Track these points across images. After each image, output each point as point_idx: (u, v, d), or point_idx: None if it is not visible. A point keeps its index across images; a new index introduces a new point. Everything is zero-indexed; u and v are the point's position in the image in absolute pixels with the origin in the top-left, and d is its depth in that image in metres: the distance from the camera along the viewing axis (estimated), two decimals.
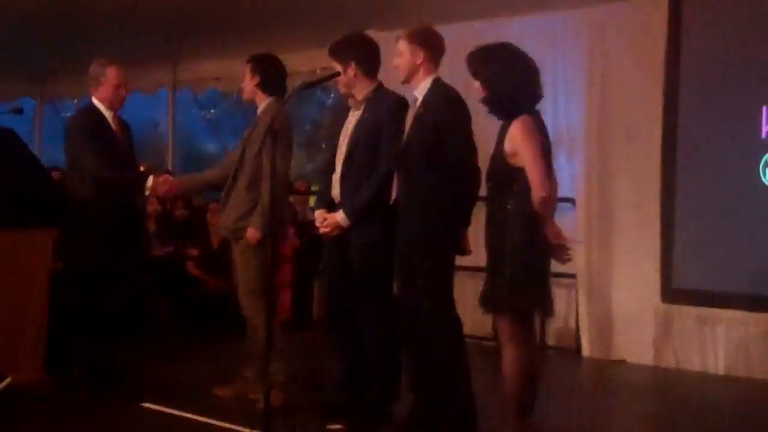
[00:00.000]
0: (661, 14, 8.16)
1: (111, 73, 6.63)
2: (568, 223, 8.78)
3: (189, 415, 5.99)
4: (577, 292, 8.65)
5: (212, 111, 13.41)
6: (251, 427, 5.27)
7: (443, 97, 5.39)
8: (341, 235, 5.76)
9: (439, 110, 5.34)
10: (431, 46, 5.50)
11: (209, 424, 5.82)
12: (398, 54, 5.53)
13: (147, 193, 6.55)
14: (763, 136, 7.69)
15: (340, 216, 5.70)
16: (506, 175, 4.96)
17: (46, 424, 5.95)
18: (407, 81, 5.56)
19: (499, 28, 9.15)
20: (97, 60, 6.69)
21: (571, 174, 8.81)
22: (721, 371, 7.85)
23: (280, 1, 8.97)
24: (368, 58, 5.83)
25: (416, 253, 5.33)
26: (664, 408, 7.02)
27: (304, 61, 10.48)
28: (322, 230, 5.81)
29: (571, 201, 8.74)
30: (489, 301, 5.04)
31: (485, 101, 5.08)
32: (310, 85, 6.03)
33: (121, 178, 6.52)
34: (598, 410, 6.89)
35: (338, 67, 5.83)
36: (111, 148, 6.54)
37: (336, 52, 5.87)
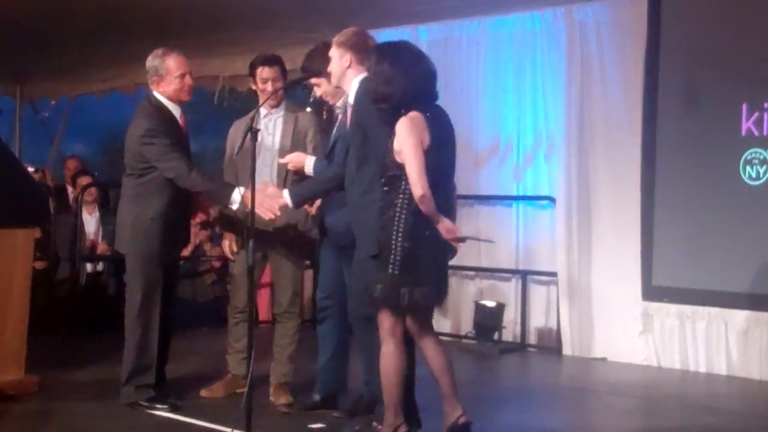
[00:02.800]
0: (640, 12, 8.18)
1: (172, 63, 6.08)
2: (548, 221, 8.84)
3: (171, 415, 5.99)
4: (557, 290, 8.67)
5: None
6: (234, 427, 5.26)
7: (365, 93, 5.40)
8: (337, 234, 5.82)
9: (362, 107, 5.38)
10: (358, 48, 5.53)
11: (192, 423, 5.82)
12: (330, 60, 5.64)
13: (234, 206, 5.93)
14: (743, 133, 7.72)
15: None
16: (396, 171, 5.02)
17: (28, 424, 5.92)
18: (340, 85, 5.65)
19: (478, 27, 9.21)
20: (153, 52, 6.14)
21: (550, 173, 8.84)
22: (702, 369, 7.88)
23: (257, 2, 8.96)
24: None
25: (364, 255, 5.32)
26: (645, 406, 7.04)
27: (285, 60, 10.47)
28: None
29: (551, 200, 8.76)
30: (373, 298, 5.07)
31: (383, 98, 5.12)
32: (289, 85, 6.07)
33: (207, 185, 5.98)
34: (580, 409, 6.91)
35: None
36: (183, 148, 6.09)
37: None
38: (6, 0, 8.78)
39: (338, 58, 5.55)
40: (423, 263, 4.98)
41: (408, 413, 5.29)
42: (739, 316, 7.66)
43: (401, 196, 4.99)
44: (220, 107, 12.19)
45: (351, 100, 5.55)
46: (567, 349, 8.61)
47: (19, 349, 6.41)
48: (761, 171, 7.62)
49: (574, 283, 8.57)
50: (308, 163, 6.05)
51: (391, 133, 5.06)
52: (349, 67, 5.53)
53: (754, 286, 7.59)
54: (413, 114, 5.01)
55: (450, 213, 5.16)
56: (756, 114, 7.66)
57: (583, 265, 8.55)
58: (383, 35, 9.46)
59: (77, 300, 9.20)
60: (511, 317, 8.99)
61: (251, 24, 9.59)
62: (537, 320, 8.99)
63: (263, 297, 9.57)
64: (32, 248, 6.68)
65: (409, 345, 5.22)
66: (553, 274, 8.68)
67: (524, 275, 8.93)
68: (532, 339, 9.00)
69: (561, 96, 8.69)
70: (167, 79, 6.11)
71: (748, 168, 7.68)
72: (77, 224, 9.30)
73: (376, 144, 5.28)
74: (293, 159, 6.09)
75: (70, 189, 10.59)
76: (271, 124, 6.37)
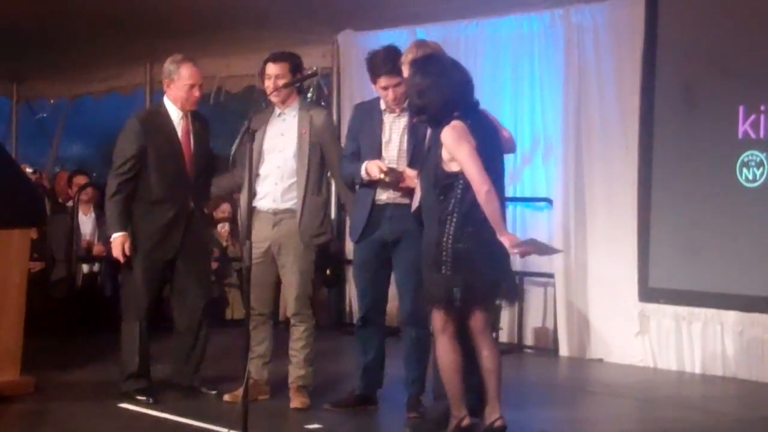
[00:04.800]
0: (637, 15, 8.18)
1: (184, 72, 6.26)
2: (545, 223, 8.84)
3: (167, 416, 5.98)
4: (554, 291, 8.67)
5: None
6: (230, 428, 5.26)
7: None
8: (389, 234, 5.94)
9: None
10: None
11: (188, 424, 5.81)
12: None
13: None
14: (740, 136, 7.73)
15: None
16: (447, 180, 5.22)
17: (24, 425, 5.92)
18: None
19: (475, 29, 9.20)
20: (172, 57, 6.35)
21: (548, 174, 8.84)
22: (698, 370, 7.87)
23: (256, 2, 8.96)
24: None
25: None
26: (642, 407, 7.04)
27: None
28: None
29: (548, 201, 8.76)
30: (427, 297, 5.29)
31: (419, 110, 5.33)
32: (287, 85, 6.07)
33: (108, 198, 6.31)
34: (576, 409, 6.91)
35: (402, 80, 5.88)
36: (159, 151, 6.26)
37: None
38: (2, 0, 8.78)
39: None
40: (475, 263, 5.15)
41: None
42: (735, 318, 7.65)
43: (453, 200, 5.18)
44: (216, 108, 12.19)
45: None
46: (563, 350, 8.61)
47: (15, 350, 6.40)
48: (757, 173, 7.62)
49: (571, 284, 8.57)
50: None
51: (438, 145, 5.25)
52: None
53: (750, 288, 7.59)
54: (454, 123, 5.19)
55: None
56: (752, 116, 7.66)
57: (579, 266, 8.55)
58: (381, 36, 9.50)
59: (73, 301, 9.19)
60: (507, 318, 8.99)
61: (248, 25, 9.59)
62: (534, 321, 8.99)
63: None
64: (28, 249, 6.67)
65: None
66: (550, 275, 8.67)
67: (521, 276, 8.90)
68: (529, 340, 9.00)
69: (558, 97, 8.69)
70: (177, 84, 6.29)
71: (744, 170, 7.68)
72: (73, 225, 9.28)
73: None
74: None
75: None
76: (285, 125, 6.28)
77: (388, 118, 6.02)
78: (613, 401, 7.11)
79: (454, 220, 5.17)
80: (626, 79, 8.28)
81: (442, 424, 5.45)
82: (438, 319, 5.27)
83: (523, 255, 5.33)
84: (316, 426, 5.79)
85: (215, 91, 11.25)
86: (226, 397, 6.29)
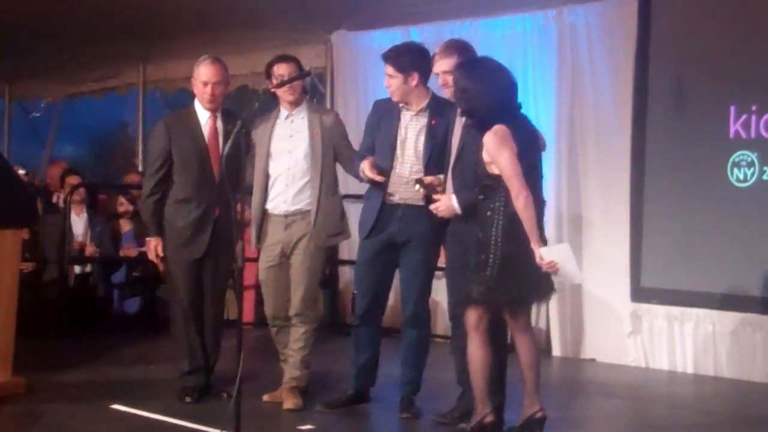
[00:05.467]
0: (630, 15, 8.20)
1: (200, 70, 6.30)
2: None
3: (159, 417, 5.98)
4: None
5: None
6: (222, 428, 5.26)
7: (446, 103, 5.90)
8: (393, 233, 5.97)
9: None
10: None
11: (179, 426, 5.80)
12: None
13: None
14: (731, 136, 7.74)
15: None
16: (489, 181, 5.28)
17: (15, 426, 5.91)
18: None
19: (469, 29, 9.20)
20: (201, 57, 6.41)
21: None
22: (690, 369, 7.89)
23: (249, 2, 8.96)
24: (428, 70, 5.98)
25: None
26: (634, 406, 7.06)
27: None
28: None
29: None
30: (471, 297, 5.34)
31: (468, 114, 5.44)
32: (280, 85, 6.07)
33: (142, 200, 6.53)
34: (569, 409, 6.91)
35: (397, 75, 5.90)
36: (184, 152, 6.30)
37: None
38: None
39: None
40: (519, 264, 5.21)
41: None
42: (727, 318, 7.67)
43: (497, 202, 5.24)
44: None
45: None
46: (556, 350, 8.63)
47: (7, 350, 6.39)
48: (749, 173, 7.64)
49: (564, 284, 8.56)
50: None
51: (480, 147, 5.31)
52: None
53: (741, 288, 7.61)
54: (497, 127, 5.23)
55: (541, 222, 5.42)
56: (744, 116, 7.68)
57: None
58: (375, 36, 9.53)
59: (65, 302, 9.16)
60: None
61: (241, 25, 9.59)
62: None
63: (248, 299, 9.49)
64: (20, 249, 6.67)
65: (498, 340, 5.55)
66: None
67: None
68: None
69: (551, 97, 8.70)
70: (195, 84, 6.36)
71: (735, 170, 7.70)
72: (65, 226, 9.25)
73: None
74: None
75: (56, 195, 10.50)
76: (293, 127, 6.28)
77: (405, 117, 6.00)
78: (605, 401, 7.12)
79: (501, 223, 5.21)
80: (619, 78, 8.30)
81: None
82: (472, 317, 5.35)
83: (547, 269, 5.27)
84: (309, 427, 5.79)
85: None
86: (265, 398, 6.33)
